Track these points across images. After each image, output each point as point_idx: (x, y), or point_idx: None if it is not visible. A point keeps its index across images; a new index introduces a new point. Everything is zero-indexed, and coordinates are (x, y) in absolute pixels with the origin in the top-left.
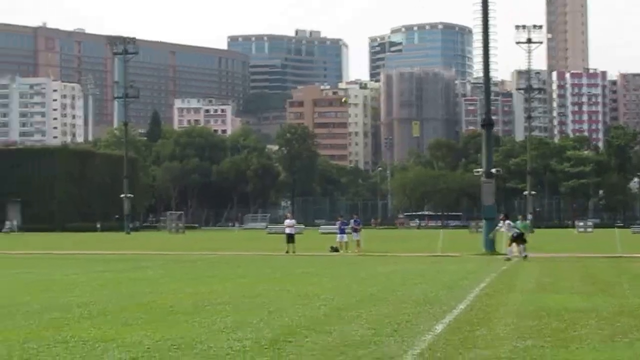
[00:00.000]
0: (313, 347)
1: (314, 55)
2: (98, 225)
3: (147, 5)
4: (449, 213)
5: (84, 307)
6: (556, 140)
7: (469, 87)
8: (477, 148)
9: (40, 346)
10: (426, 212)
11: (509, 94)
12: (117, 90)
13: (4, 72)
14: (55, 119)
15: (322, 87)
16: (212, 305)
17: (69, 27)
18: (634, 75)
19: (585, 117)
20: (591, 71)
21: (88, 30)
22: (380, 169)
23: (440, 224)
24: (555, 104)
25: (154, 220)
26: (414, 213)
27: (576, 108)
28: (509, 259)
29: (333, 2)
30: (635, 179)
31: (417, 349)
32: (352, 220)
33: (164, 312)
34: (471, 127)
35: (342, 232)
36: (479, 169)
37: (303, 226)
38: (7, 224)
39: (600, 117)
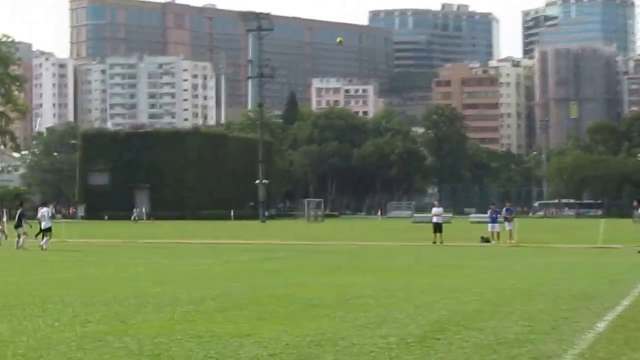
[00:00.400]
0: (464, 345)
1: (462, 31)
2: (231, 213)
3: None
4: (583, 201)
5: (217, 300)
6: None
7: (632, 64)
8: None
9: (171, 341)
10: (567, 200)
11: None
12: (251, 70)
13: (132, 51)
14: (185, 100)
15: (470, 65)
16: (354, 298)
17: (199, 2)
18: None
19: None
20: None
21: (219, 6)
22: (534, 153)
23: (576, 213)
24: None
25: (291, 208)
26: (550, 201)
27: None
28: None
29: None
30: None
31: (577, 349)
32: (504, 209)
33: (303, 306)
34: (634, 108)
35: (494, 221)
36: None
37: (451, 215)
38: (135, 211)
39: None
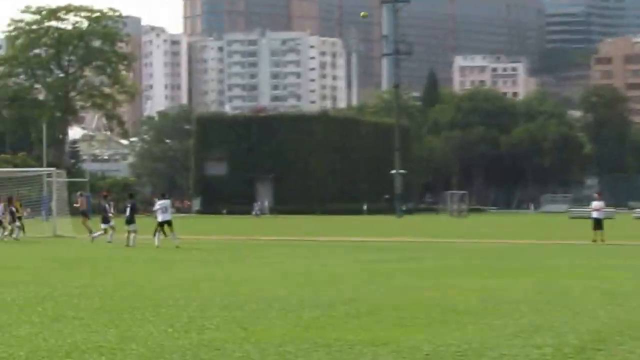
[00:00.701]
0: (628, 357)
1: (624, 1)
2: (364, 207)
3: None
4: None
5: (350, 304)
6: None
7: None
8: None
9: (298, 350)
10: None
11: None
12: (386, 46)
13: (253, 26)
14: (312, 80)
15: (635, 39)
16: (503, 304)
17: None
18: None
19: None
20: None
21: None
22: None
23: None
24: None
25: (432, 201)
26: None
27: None
28: None
29: None
30: None
31: None
32: None
33: (446, 312)
34: None
35: None
36: None
37: (614, 209)
38: (257, 205)
39: None
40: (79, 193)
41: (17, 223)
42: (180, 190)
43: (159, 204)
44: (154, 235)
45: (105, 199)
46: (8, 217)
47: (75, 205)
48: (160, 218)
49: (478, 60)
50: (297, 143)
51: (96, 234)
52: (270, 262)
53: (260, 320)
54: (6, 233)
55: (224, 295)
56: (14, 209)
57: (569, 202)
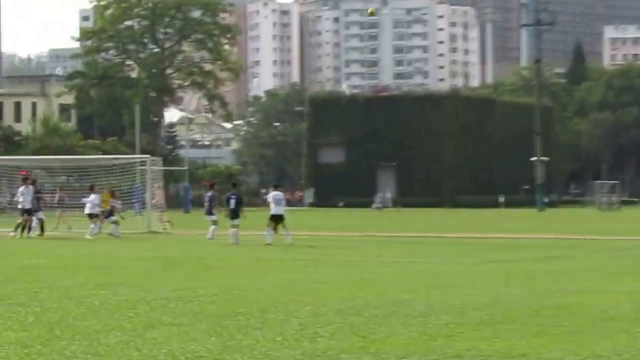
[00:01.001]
0: None
1: None
2: (501, 199)
3: None
4: None
5: (484, 310)
6: None
7: None
8: None
9: None
10: None
11: None
12: (525, 16)
13: None
14: (441, 55)
15: None
16: None
17: None
18: None
19: None
20: None
21: None
22: None
23: None
24: None
25: (578, 193)
26: None
27: None
28: None
29: None
30: None
31: None
32: None
33: (594, 319)
34: None
35: None
36: None
37: None
38: (378, 197)
39: None
40: (156, 185)
41: (114, 217)
42: (290, 180)
43: (271, 195)
44: (265, 230)
45: (212, 189)
46: (102, 210)
47: (152, 200)
48: (273, 211)
49: (632, 31)
50: (424, 126)
51: (210, 232)
52: (392, 262)
53: (380, 328)
54: (98, 228)
55: (339, 299)
56: (114, 202)
57: None
